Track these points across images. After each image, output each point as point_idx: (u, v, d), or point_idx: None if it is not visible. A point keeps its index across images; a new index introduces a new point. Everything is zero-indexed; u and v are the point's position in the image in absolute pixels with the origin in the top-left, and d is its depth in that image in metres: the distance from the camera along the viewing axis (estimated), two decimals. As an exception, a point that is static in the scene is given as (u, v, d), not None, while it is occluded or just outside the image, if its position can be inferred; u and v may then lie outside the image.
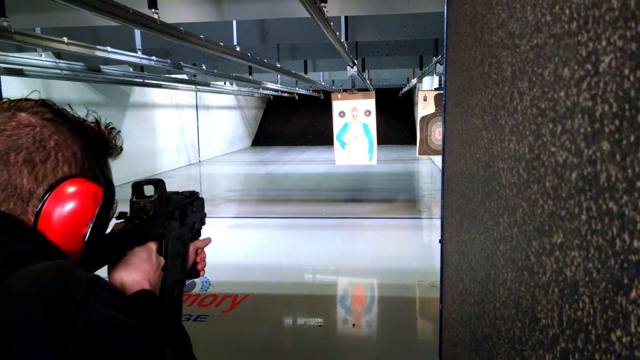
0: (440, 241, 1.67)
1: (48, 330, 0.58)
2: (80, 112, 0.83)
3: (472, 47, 1.07)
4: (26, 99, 0.77)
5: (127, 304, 0.75)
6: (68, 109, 0.79)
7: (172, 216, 0.98)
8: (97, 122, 0.82)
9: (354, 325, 4.29)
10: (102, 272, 0.83)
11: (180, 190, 1.07)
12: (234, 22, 6.44)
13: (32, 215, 0.72)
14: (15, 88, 7.70)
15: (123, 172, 10.90)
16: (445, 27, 1.60)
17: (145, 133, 12.99)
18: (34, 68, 6.82)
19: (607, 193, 0.42)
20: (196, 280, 5.15)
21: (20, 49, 6.37)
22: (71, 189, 0.73)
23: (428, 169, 13.83)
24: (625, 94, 0.39)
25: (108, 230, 0.84)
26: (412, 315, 4.62)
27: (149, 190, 0.92)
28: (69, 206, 0.72)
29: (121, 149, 0.86)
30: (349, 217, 8.22)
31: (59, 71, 7.25)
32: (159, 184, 0.92)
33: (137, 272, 0.84)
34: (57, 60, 7.00)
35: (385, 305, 4.92)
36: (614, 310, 0.40)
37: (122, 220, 0.88)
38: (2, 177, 0.70)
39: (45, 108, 0.76)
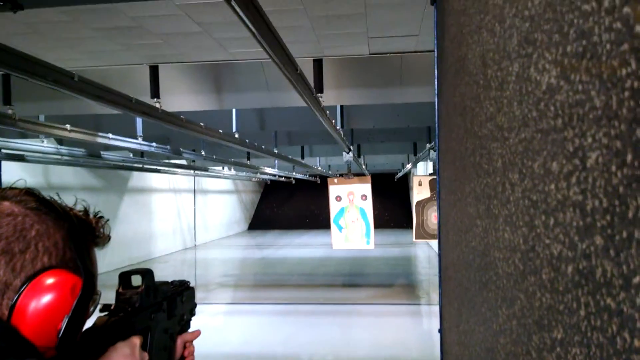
0: (440, 331, 1.62)
1: None
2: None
3: (463, 138, 1.10)
4: (11, 188, 0.75)
5: None
6: (56, 197, 0.78)
7: (160, 308, 0.94)
8: (85, 211, 0.81)
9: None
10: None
11: (170, 279, 1.04)
12: (234, 110, 6.65)
13: (6, 309, 0.68)
14: (15, 173, 7.79)
15: (118, 257, 10.77)
16: (436, 118, 1.65)
17: (142, 217, 12.98)
18: (35, 154, 6.94)
19: (604, 289, 0.41)
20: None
21: (23, 136, 6.51)
22: (49, 281, 0.70)
23: (425, 253, 13.72)
24: (614, 190, 0.40)
25: (90, 324, 0.80)
26: (413, 409, 4.39)
27: (137, 280, 0.89)
28: (45, 299, 0.69)
29: (109, 238, 0.84)
30: (347, 304, 8.03)
31: (59, 157, 7.37)
32: (147, 274, 0.89)
33: None
34: (59, 147, 7.13)
35: (384, 399, 4.68)
36: (621, 415, 0.38)
37: (105, 312, 0.84)
38: None
39: (30, 197, 0.74)
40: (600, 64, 0.41)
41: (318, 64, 4.72)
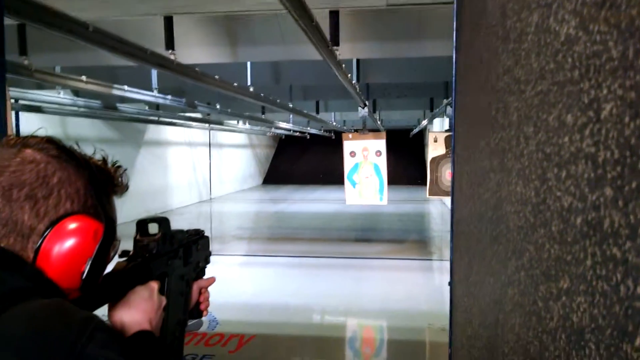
0: (450, 283, 1.65)
1: None
2: (92, 149, 0.85)
3: (479, 92, 1.09)
4: (32, 136, 0.77)
5: (125, 345, 0.73)
6: (75, 147, 0.80)
7: (176, 255, 0.96)
8: (104, 160, 0.83)
9: (362, 368, 4.19)
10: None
11: (186, 229, 1.06)
12: (248, 63, 6.59)
13: (31, 252, 0.71)
14: (32, 124, 7.87)
15: (135, 208, 10.96)
16: (454, 72, 1.63)
17: (158, 170, 13.13)
18: (52, 105, 6.98)
19: (610, 239, 0.42)
20: (203, 318, 5.10)
21: (40, 87, 6.54)
22: (72, 226, 0.73)
23: (438, 210, 13.75)
24: (626, 141, 0.40)
25: (110, 269, 0.83)
26: (422, 359, 4.51)
27: (153, 228, 0.91)
28: (69, 243, 0.72)
29: (127, 186, 0.86)
30: (359, 258, 8.15)
31: (76, 108, 7.42)
32: (163, 222, 0.91)
33: (138, 312, 0.82)
34: (75, 98, 7.17)
35: (394, 349, 4.81)
36: (619, 358, 0.40)
37: (124, 258, 0.87)
38: (4, 212, 0.70)
39: (51, 145, 0.76)
40: (619, 13, 0.40)
41: (334, 15, 4.62)
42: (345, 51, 4.95)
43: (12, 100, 6.30)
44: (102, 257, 0.76)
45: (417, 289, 6.22)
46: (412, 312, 5.43)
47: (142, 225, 0.91)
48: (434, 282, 6.82)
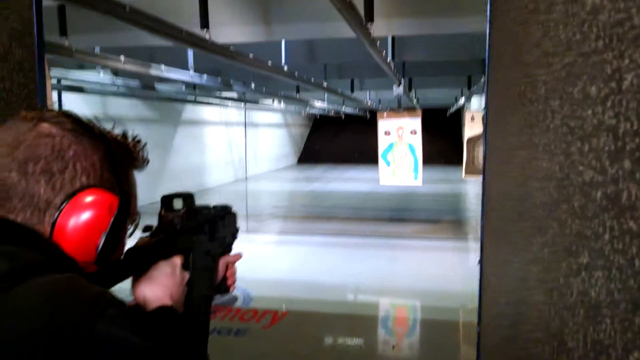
0: (480, 262, 1.64)
1: (46, 345, 0.58)
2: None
3: (510, 66, 1.06)
4: (49, 110, 0.77)
5: (142, 320, 0.73)
6: (95, 121, 0.79)
7: (201, 230, 0.96)
8: (124, 135, 0.82)
9: (393, 347, 4.22)
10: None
11: (214, 204, 1.04)
12: (283, 42, 6.57)
13: (48, 225, 0.71)
14: (75, 104, 8.12)
15: (172, 187, 11.22)
16: (487, 47, 1.59)
17: (195, 149, 13.35)
18: (93, 85, 7.17)
19: (627, 212, 0.41)
20: (238, 294, 5.21)
21: (81, 67, 6.71)
22: (87, 199, 0.73)
23: (475, 190, 13.53)
24: (645, 111, 0.39)
25: (132, 244, 0.83)
26: (454, 339, 4.51)
27: (179, 204, 0.91)
28: (84, 216, 0.72)
29: (147, 160, 0.85)
30: (393, 237, 8.14)
31: (115, 88, 7.59)
32: (187, 197, 0.91)
33: (159, 287, 0.83)
34: (115, 78, 7.33)
35: (427, 328, 4.82)
36: (632, 332, 0.39)
37: (147, 233, 0.87)
38: (20, 186, 0.70)
39: (67, 118, 0.76)
40: (642, -22, 0.39)
41: (369, -8, 4.54)
42: (380, 28, 4.87)
43: (55, 81, 6.50)
44: (118, 231, 0.75)
45: (451, 270, 6.18)
46: (445, 293, 5.41)
47: (167, 200, 0.90)
48: (468, 263, 6.75)
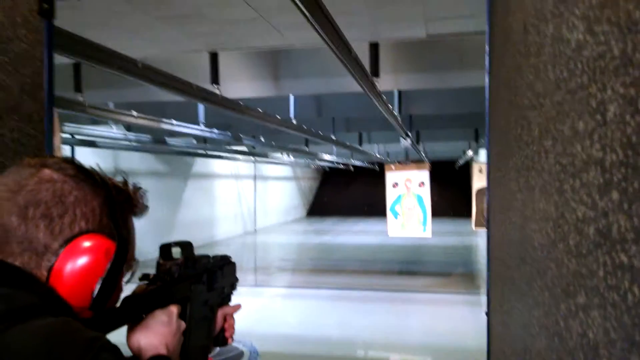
0: (487, 313, 1.59)
1: None
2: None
3: (508, 111, 1.07)
4: (51, 156, 0.80)
5: None
6: (97, 169, 0.80)
7: (199, 280, 0.95)
8: (125, 182, 0.84)
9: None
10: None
11: (213, 254, 1.03)
12: (291, 96, 6.72)
13: (45, 270, 0.72)
14: (87, 158, 8.24)
15: (181, 239, 11.18)
16: (487, 96, 1.61)
17: (205, 202, 13.42)
18: (105, 140, 7.31)
19: (618, 245, 0.40)
20: (244, 349, 5.08)
21: (94, 122, 6.87)
22: (85, 244, 0.73)
23: (485, 242, 13.35)
24: (628, 140, 0.38)
25: (129, 292, 0.83)
26: (467, 397, 4.32)
27: (177, 252, 0.91)
28: (81, 261, 0.72)
29: (147, 207, 0.86)
30: (403, 291, 7.98)
31: (127, 142, 7.74)
32: (186, 246, 0.91)
33: (155, 335, 0.81)
34: (127, 133, 7.48)
35: (438, 386, 4.63)
36: (629, 372, 0.37)
37: (145, 281, 0.87)
38: (19, 230, 0.71)
39: (69, 165, 0.77)
40: (618, 9, 0.39)
41: (374, 47, 4.67)
42: (386, 82, 4.98)
43: (69, 135, 6.64)
44: (114, 277, 0.75)
45: (462, 324, 6.01)
46: (456, 348, 5.24)
47: (165, 249, 0.90)
48: (480, 317, 6.58)
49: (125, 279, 0.82)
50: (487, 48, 1.62)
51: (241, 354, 5.01)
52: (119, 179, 0.84)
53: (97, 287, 0.73)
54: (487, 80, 1.61)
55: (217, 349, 1.09)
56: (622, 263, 0.39)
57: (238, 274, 1.11)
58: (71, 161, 0.78)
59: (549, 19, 0.66)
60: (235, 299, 1.10)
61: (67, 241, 0.73)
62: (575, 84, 0.52)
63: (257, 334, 5.45)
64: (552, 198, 0.63)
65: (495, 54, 1.39)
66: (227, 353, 4.58)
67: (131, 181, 0.85)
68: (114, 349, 0.65)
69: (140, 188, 0.86)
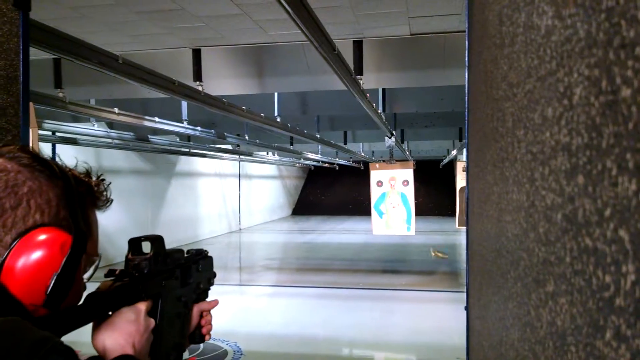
0: (466, 308, 1.59)
1: None
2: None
3: (484, 105, 1.07)
4: (5, 145, 0.74)
5: None
6: (56, 159, 0.77)
7: (172, 275, 0.91)
8: (87, 172, 0.80)
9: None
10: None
11: (188, 249, 1.00)
12: (275, 94, 6.69)
13: None
14: (68, 156, 8.11)
15: (165, 238, 11.10)
16: (466, 91, 1.61)
17: (189, 200, 13.33)
18: (87, 137, 7.21)
19: (584, 229, 0.39)
20: (228, 348, 5.05)
21: (75, 119, 6.78)
22: (39, 238, 0.69)
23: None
24: (592, 122, 0.38)
25: (94, 288, 0.79)
26: (450, 394, 4.35)
27: (147, 247, 0.86)
28: (34, 256, 0.68)
29: (110, 200, 0.82)
30: (387, 289, 8.01)
31: (110, 140, 7.64)
32: (156, 240, 0.87)
33: (121, 334, 0.77)
34: (109, 130, 7.40)
35: (422, 383, 4.65)
36: (594, 357, 0.36)
37: (111, 277, 0.82)
38: None
39: (24, 154, 0.73)
40: (583, -10, 0.39)
41: (358, 45, 4.68)
42: (370, 81, 4.98)
43: (49, 133, 6.53)
44: (70, 272, 0.70)
45: (446, 322, 6.04)
46: (440, 345, 5.27)
47: (134, 243, 0.86)
48: (464, 315, 6.62)
49: (87, 275, 0.77)
50: (466, 43, 1.62)
51: (225, 353, 4.97)
52: (80, 170, 0.80)
53: (52, 283, 0.68)
54: (466, 75, 1.61)
55: (201, 346, 1.07)
56: (586, 247, 0.39)
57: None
58: (27, 150, 0.74)
59: (521, 7, 0.65)
60: (220, 298, 1.07)
61: (21, 235, 0.68)
62: (544, 70, 0.52)
63: (242, 333, 5.42)
64: (524, 187, 0.63)
65: (473, 49, 1.39)
66: (201, 347, 4.53)
67: (95, 172, 0.81)
68: (66, 350, 0.61)
69: (103, 179, 0.82)
